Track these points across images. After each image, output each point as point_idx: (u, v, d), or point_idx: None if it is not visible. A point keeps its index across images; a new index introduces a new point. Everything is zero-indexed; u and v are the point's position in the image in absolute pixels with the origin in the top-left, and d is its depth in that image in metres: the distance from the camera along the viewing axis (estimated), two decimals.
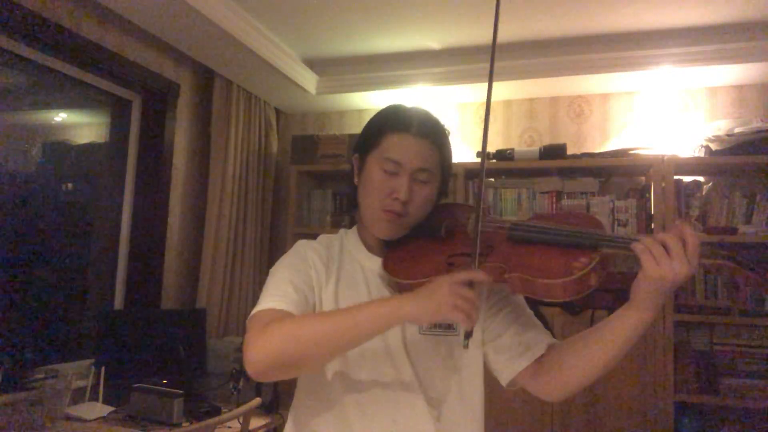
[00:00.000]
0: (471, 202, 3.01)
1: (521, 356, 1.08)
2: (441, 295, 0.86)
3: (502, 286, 0.97)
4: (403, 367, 1.04)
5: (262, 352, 0.89)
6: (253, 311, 0.99)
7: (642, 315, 0.92)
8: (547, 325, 1.14)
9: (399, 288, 1.04)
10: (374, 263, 1.12)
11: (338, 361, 1.04)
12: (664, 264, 0.87)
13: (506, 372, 1.10)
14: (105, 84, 2.54)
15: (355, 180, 1.14)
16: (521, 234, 1.02)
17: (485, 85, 1.06)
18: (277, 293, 1.00)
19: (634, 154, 2.84)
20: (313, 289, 1.06)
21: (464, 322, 0.85)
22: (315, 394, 1.06)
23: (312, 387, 1.07)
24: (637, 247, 0.90)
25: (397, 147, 1.07)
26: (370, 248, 1.15)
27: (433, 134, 1.09)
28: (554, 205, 2.91)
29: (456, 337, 1.08)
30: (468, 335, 0.89)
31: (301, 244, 1.14)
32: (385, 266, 1.08)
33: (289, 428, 1.13)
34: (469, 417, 1.08)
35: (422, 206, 1.09)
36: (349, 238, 1.18)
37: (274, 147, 3.50)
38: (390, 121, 1.10)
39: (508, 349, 1.09)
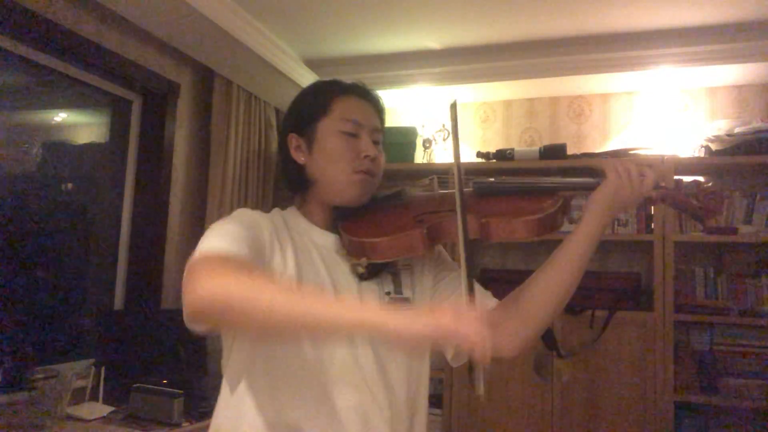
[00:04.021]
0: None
1: None
2: (465, 323, 0.70)
3: (478, 236, 0.99)
4: (365, 350, 0.99)
5: (209, 293, 0.75)
6: (200, 250, 0.85)
7: (592, 225, 0.99)
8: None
9: (364, 251, 0.99)
10: (327, 240, 1.06)
11: (296, 343, 0.96)
12: (625, 178, 0.97)
13: None
14: (105, 84, 2.54)
15: (301, 159, 1.08)
16: (487, 186, 1.08)
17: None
18: (229, 236, 0.88)
19: (634, 154, 2.84)
20: (265, 253, 0.95)
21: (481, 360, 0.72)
22: (271, 371, 0.97)
23: (267, 364, 0.98)
24: (608, 165, 1.00)
25: (352, 107, 1.07)
26: (318, 225, 1.09)
27: (374, 98, 1.11)
28: None
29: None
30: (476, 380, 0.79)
31: (245, 210, 1.03)
32: (350, 231, 1.01)
33: (226, 395, 1.03)
34: (420, 393, 1.07)
35: (382, 168, 1.09)
36: (291, 216, 1.10)
37: (274, 147, 3.50)
38: (334, 87, 1.09)
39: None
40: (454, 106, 0.95)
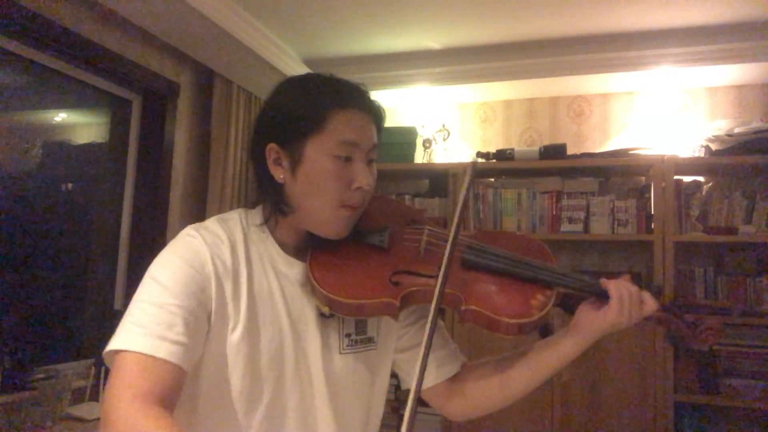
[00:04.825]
0: (471, 203, 3.00)
1: (434, 371, 1.04)
2: None
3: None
4: (320, 393, 0.93)
5: None
6: (125, 345, 0.79)
7: (580, 347, 0.94)
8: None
9: (330, 304, 0.89)
10: (292, 269, 0.94)
11: (249, 382, 0.88)
12: (626, 308, 0.90)
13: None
14: (105, 84, 2.54)
15: (279, 176, 0.92)
16: (477, 260, 0.95)
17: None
18: (161, 326, 0.80)
19: (634, 154, 2.84)
20: (209, 316, 0.86)
21: None
22: (218, 416, 0.88)
23: (214, 408, 0.88)
24: (614, 292, 0.91)
25: (350, 125, 0.89)
26: (286, 249, 0.95)
27: (375, 109, 0.95)
28: (554, 205, 2.91)
29: (374, 350, 1.00)
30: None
31: (197, 242, 0.91)
32: (318, 279, 0.90)
33: None
34: (370, 427, 1.02)
35: (372, 190, 0.94)
36: (255, 230, 0.96)
37: None
38: (331, 98, 0.90)
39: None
40: (474, 166, 0.95)
